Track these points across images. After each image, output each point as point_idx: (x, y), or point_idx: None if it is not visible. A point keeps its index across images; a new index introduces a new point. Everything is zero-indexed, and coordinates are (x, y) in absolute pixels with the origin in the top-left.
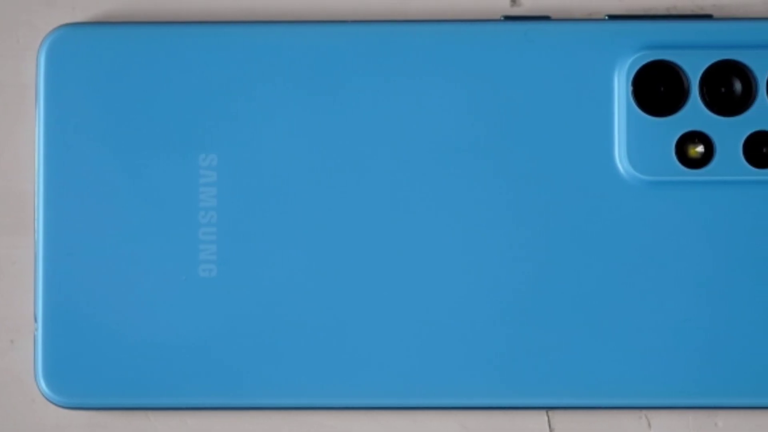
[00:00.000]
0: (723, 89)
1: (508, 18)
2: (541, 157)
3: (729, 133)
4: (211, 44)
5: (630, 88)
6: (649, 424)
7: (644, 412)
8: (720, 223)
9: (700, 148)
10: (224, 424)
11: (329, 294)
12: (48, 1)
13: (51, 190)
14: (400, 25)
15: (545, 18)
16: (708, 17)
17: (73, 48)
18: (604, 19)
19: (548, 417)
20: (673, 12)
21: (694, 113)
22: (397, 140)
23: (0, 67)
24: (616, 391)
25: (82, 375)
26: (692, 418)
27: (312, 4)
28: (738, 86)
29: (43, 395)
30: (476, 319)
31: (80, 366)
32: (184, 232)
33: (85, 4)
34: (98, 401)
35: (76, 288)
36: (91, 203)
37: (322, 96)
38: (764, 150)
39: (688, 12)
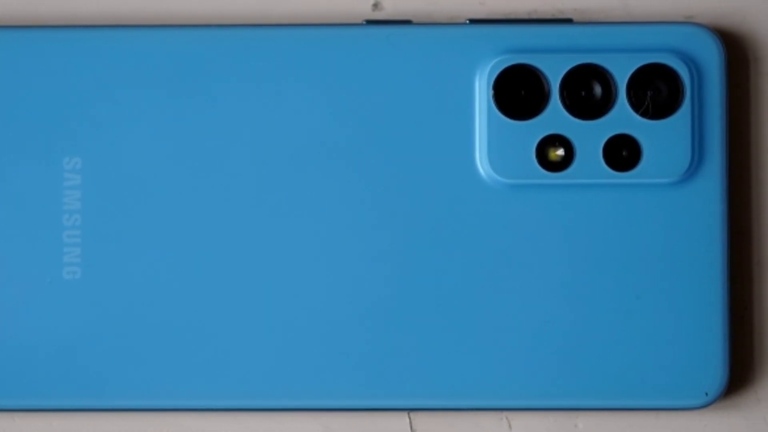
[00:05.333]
0: (583, 93)
1: (370, 22)
2: (403, 160)
3: (589, 137)
4: (75, 48)
5: (491, 92)
6: (510, 426)
7: (505, 413)
8: (580, 225)
9: (561, 152)
10: (89, 425)
11: (192, 296)
12: None
13: None
14: (262, 29)
15: (407, 22)
16: (568, 21)
17: None
18: (465, 23)
19: (410, 418)
20: (534, 16)
21: (555, 117)
22: (260, 144)
23: None
24: (477, 392)
25: None
26: (552, 420)
27: (176, 9)
28: (598, 90)
29: None
30: (338, 321)
31: None
32: (49, 234)
33: None
34: None
35: None
36: None
37: (185, 99)
38: (624, 153)
39: (549, 16)
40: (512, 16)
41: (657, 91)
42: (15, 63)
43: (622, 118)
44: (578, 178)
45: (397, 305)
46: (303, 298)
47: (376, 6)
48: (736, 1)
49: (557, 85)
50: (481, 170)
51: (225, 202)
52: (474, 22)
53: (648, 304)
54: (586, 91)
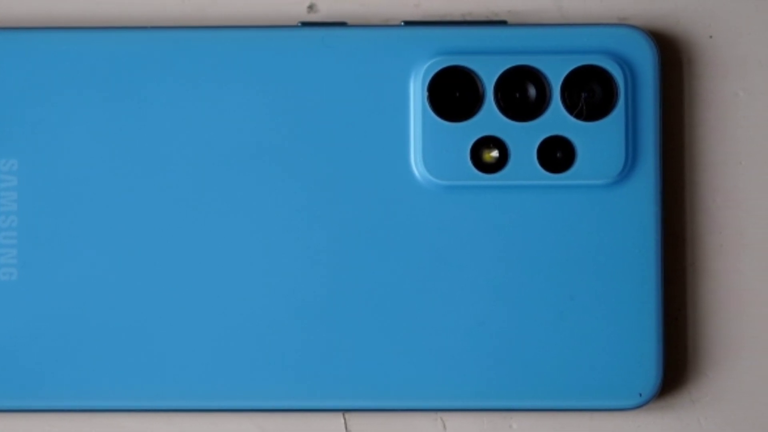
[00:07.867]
0: (517, 94)
1: (306, 24)
2: (338, 161)
3: (523, 138)
4: (10, 50)
5: (425, 94)
6: (444, 426)
7: (440, 414)
8: (514, 227)
9: (495, 153)
10: (26, 426)
11: (128, 297)
12: None
13: None
14: (197, 31)
15: (342, 24)
16: (502, 23)
17: None
18: (400, 25)
19: (345, 419)
20: (469, 18)
21: (489, 118)
22: (196, 145)
23: None
24: (412, 393)
25: None
26: (487, 420)
27: (112, 10)
28: (532, 92)
29: None
30: (272, 322)
31: None
32: None
33: None
34: None
35: None
36: None
37: (122, 101)
38: (558, 155)
39: (483, 18)
40: (447, 18)
41: (591, 92)
42: None
43: (557, 119)
44: (512, 179)
45: (332, 306)
46: (236, 298)
47: (311, 8)
48: (670, 3)
49: (492, 87)
50: (415, 171)
51: (159, 202)
52: (409, 24)
53: (582, 305)
54: (521, 93)
